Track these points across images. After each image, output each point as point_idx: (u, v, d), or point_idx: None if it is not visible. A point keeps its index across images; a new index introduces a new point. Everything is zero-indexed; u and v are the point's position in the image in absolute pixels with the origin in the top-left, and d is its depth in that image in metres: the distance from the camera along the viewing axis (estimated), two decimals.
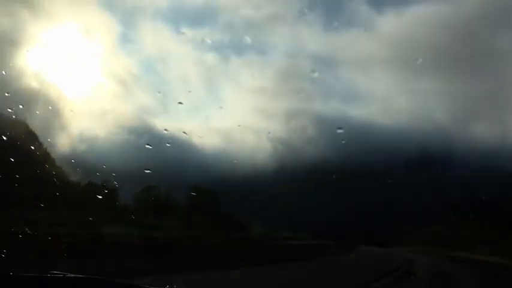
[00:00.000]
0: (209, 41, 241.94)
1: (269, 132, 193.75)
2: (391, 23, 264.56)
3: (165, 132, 17.71)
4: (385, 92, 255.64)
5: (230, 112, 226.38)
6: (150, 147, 16.38)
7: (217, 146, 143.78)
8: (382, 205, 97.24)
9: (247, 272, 14.77)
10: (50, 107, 45.18)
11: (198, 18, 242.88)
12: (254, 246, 24.74)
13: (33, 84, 57.61)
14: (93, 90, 69.14)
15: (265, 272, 15.98)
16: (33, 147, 23.93)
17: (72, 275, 2.61)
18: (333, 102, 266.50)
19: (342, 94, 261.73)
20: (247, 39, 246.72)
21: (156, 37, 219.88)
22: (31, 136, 24.74)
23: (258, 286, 12.30)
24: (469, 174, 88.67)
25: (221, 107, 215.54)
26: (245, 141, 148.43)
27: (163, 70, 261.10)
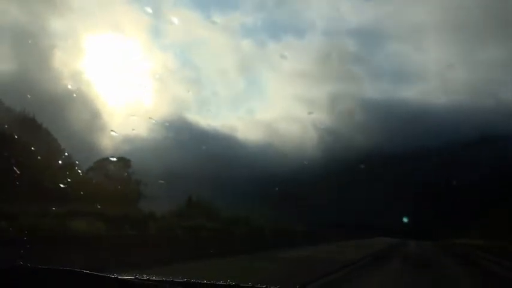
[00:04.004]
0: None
1: (311, 113, 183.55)
2: None
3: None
4: (440, 66, 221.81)
5: (272, 102, 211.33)
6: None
7: (262, 138, 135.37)
8: (439, 194, 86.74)
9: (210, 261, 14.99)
10: (87, 107, 43.67)
11: (227, 1, 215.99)
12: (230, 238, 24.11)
13: (71, 84, 54.69)
14: (131, 88, 66.67)
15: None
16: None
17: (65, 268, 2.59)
18: (382, 82, 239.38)
19: (391, 72, 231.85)
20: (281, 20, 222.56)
21: (187, 27, 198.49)
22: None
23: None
24: None
25: (263, 98, 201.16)
26: (290, 132, 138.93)
27: (199, 62, 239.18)
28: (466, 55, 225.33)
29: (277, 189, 61.61)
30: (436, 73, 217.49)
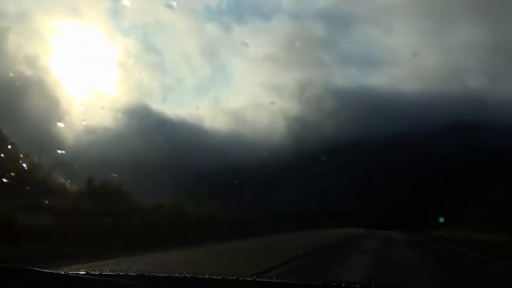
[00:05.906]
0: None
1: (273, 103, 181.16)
2: None
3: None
4: (410, 51, 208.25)
5: (239, 88, 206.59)
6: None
7: (229, 127, 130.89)
8: (408, 182, 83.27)
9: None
10: (46, 96, 39.64)
11: None
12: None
13: (27, 72, 49.17)
14: (90, 75, 62.35)
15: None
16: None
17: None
18: (351, 68, 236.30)
19: (360, 57, 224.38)
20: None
21: (147, 10, 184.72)
22: None
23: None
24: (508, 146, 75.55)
25: (229, 85, 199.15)
26: (258, 120, 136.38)
27: (162, 47, 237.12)
28: (438, 40, 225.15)
29: (236, 181, 61.17)
30: (406, 59, 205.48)
